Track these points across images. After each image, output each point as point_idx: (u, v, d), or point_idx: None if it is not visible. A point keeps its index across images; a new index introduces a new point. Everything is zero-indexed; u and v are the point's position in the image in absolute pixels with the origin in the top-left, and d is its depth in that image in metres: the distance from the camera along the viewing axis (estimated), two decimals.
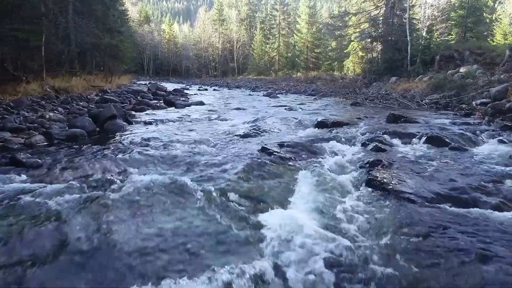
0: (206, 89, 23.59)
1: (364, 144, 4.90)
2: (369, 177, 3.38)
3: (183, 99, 12.46)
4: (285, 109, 9.63)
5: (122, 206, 2.59)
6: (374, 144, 4.73)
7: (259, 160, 3.91)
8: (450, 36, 21.23)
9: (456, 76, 12.84)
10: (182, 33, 68.79)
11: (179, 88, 19.41)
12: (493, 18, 26.45)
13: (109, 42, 16.36)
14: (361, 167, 3.89)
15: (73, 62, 14.70)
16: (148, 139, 4.83)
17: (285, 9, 46.95)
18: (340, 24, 26.82)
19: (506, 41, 21.94)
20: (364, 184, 3.32)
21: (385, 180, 3.26)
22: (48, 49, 11.87)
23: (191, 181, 3.15)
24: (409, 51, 18.08)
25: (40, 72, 11.43)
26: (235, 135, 5.41)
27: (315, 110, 9.57)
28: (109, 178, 3.18)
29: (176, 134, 5.42)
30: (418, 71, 16.75)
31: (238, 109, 9.59)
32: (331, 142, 4.97)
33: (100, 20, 16.71)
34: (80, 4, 14.66)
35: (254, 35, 49.66)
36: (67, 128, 5.41)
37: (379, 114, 8.15)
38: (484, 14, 22.13)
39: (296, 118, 7.21)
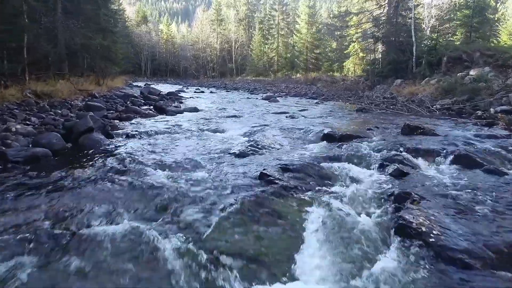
0: (203, 92, 22.81)
1: (382, 166, 4.12)
2: (400, 221, 2.59)
3: (176, 104, 11.67)
4: (286, 116, 8.82)
5: (67, 279, 1.81)
6: (395, 167, 3.95)
7: (257, 193, 3.13)
8: (455, 37, 20.49)
9: (467, 79, 12.08)
10: (180, 34, 68.07)
11: (174, 91, 18.59)
12: (496, 18, 25.77)
13: (100, 43, 15.54)
14: (385, 201, 3.12)
15: (61, 64, 13.86)
16: (125, 161, 4.04)
17: (284, 9, 46.20)
18: (341, 24, 26.12)
19: None
20: (393, 232, 2.53)
21: (422, 228, 2.46)
22: (34, 50, 11.05)
23: (167, 231, 2.38)
24: (414, 52, 17.28)
25: (23, 75, 10.62)
26: (229, 153, 4.61)
27: (319, 117, 8.78)
28: (58, 228, 2.39)
29: (159, 152, 4.62)
30: (424, 73, 15.95)
31: (234, 116, 8.78)
32: (342, 163, 4.20)
33: (91, 20, 15.86)
34: (69, 3, 13.81)
35: (253, 35, 48.94)
36: (30, 145, 4.60)
37: (390, 123, 7.38)
38: (486, 14, 21.42)
39: (299, 129, 6.43)
